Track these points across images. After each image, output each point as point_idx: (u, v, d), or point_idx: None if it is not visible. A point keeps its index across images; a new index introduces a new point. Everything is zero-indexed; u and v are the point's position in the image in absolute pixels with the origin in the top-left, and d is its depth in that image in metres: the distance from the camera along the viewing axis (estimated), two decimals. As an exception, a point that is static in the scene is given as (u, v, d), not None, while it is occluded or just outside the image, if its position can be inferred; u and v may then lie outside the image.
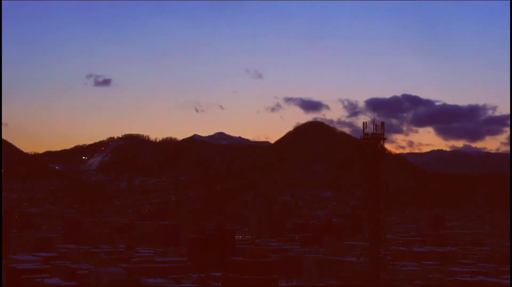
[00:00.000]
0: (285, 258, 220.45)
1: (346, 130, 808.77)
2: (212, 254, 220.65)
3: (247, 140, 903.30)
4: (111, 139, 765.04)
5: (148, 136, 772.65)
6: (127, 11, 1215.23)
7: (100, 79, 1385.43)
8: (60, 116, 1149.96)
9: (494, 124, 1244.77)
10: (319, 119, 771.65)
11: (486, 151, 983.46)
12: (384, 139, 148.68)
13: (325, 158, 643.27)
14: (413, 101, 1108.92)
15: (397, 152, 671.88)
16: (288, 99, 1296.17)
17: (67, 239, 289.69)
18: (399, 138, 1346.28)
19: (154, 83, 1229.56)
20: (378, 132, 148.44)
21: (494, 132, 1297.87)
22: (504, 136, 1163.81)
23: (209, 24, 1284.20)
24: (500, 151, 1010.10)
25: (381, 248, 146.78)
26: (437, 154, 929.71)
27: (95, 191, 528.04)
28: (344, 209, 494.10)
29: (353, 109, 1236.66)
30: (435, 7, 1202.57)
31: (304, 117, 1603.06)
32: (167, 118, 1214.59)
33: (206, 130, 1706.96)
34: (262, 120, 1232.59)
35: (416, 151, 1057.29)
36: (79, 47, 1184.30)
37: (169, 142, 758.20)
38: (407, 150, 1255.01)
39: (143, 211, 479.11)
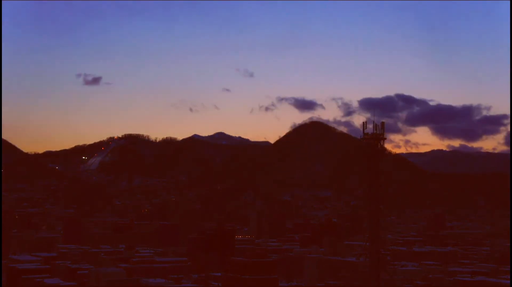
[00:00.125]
0: (285, 258, 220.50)
1: (343, 129, 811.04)
2: (212, 254, 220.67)
3: (247, 140, 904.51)
4: (111, 139, 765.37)
5: (148, 136, 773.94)
6: (120, 10, 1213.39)
7: (90, 78, 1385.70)
8: (60, 116, 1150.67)
9: (489, 124, 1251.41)
10: (315, 119, 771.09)
11: (483, 150, 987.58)
12: (384, 139, 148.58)
13: (325, 158, 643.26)
14: (407, 101, 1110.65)
15: (393, 151, 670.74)
16: (282, 99, 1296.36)
17: (67, 239, 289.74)
18: (395, 138, 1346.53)
19: (144, 82, 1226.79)
20: (378, 132, 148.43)
21: (490, 132, 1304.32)
22: (500, 136, 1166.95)
23: (197, 22, 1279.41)
24: (496, 151, 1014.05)
25: (381, 248, 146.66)
26: (437, 154, 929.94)
27: (95, 191, 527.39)
28: (344, 209, 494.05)
29: (347, 109, 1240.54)
30: (428, 7, 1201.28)
31: (300, 116, 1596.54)
32: (165, 118, 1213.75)
33: (203, 130, 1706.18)
34: (257, 119, 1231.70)
35: (413, 150, 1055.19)
36: (71, 46, 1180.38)
37: (169, 142, 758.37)
38: (403, 149, 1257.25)
39: (143, 211, 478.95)
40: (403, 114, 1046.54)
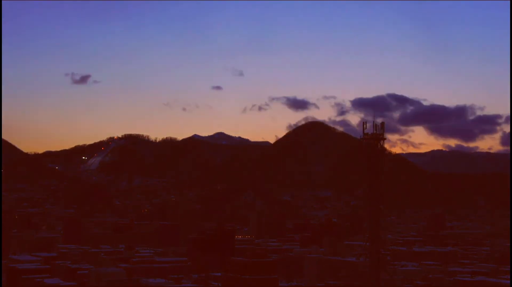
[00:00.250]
0: (285, 258, 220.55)
1: (338, 129, 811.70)
2: (212, 254, 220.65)
3: (247, 140, 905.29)
4: (111, 139, 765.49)
5: (148, 136, 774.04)
6: (112, 9, 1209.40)
7: (77, 77, 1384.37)
8: (60, 116, 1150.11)
9: (484, 123, 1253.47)
10: (310, 119, 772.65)
11: (479, 150, 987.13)
12: (384, 139, 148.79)
13: (325, 158, 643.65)
14: (400, 100, 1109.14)
15: (388, 150, 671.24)
16: (273, 98, 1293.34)
17: (67, 239, 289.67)
18: (391, 137, 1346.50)
19: (133, 81, 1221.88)
20: (377, 132, 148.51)
21: (485, 132, 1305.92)
22: (496, 136, 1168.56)
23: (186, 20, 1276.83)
24: (492, 150, 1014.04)
25: (381, 248, 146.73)
26: (436, 154, 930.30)
27: (95, 191, 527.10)
28: (344, 209, 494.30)
29: (340, 109, 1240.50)
30: (420, 7, 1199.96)
31: (294, 116, 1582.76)
32: (160, 118, 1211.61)
33: (201, 130, 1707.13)
34: (251, 119, 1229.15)
35: (410, 150, 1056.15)
36: (62, 44, 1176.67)
37: (169, 142, 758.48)
38: (398, 149, 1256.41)
39: (143, 211, 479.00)
40: (396, 114, 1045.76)
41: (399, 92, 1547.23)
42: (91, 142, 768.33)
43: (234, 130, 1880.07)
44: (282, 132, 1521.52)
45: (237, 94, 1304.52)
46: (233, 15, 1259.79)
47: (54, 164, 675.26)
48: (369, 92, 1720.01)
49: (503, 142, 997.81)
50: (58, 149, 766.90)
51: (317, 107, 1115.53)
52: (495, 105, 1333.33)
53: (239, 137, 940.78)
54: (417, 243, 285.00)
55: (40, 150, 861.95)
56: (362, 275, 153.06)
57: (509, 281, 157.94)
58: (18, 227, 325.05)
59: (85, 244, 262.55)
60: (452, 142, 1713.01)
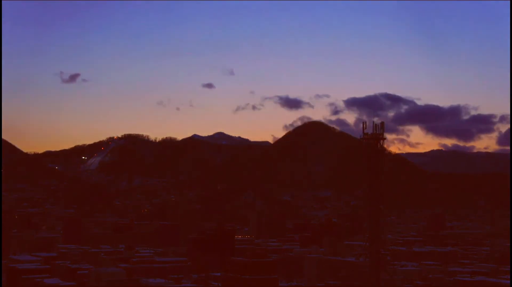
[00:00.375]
0: (285, 258, 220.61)
1: (336, 128, 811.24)
2: (212, 254, 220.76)
3: (247, 140, 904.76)
4: (111, 139, 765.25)
5: (148, 136, 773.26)
6: (105, 8, 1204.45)
7: (77, 77, 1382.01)
8: (60, 116, 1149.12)
9: (479, 123, 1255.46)
10: (306, 119, 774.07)
11: (475, 150, 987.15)
12: (384, 139, 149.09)
13: (325, 158, 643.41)
14: (394, 100, 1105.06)
15: (389, 150, 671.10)
16: (266, 98, 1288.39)
17: (67, 239, 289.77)
18: (387, 136, 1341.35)
19: (125, 81, 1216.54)
20: (377, 132, 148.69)
21: (481, 132, 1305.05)
22: (493, 135, 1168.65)
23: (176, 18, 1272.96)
24: (489, 150, 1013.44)
25: (381, 248, 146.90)
26: (436, 154, 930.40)
27: (95, 191, 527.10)
28: (344, 209, 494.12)
29: (334, 108, 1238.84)
30: (415, 7, 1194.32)
31: (289, 115, 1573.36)
32: (156, 117, 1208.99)
33: (201, 130, 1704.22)
34: (246, 118, 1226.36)
35: (407, 149, 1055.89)
36: (52, 44, 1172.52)
37: (169, 142, 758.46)
38: (395, 149, 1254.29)
39: (143, 211, 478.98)
40: (391, 114, 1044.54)
41: (392, 91, 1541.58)
42: (91, 142, 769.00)
43: (230, 129, 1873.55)
44: (278, 132, 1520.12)
45: (229, 93, 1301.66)
46: (225, 13, 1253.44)
47: (54, 164, 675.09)
48: (362, 91, 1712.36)
49: (499, 142, 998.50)
50: (58, 149, 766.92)
51: (311, 106, 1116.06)
52: (489, 105, 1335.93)
53: (239, 137, 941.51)
54: (417, 243, 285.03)
55: (40, 150, 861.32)
56: (362, 275, 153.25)
57: (509, 281, 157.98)
58: (18, 227, 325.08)
59: (85, 244, 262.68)
60: (449, 142, 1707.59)
